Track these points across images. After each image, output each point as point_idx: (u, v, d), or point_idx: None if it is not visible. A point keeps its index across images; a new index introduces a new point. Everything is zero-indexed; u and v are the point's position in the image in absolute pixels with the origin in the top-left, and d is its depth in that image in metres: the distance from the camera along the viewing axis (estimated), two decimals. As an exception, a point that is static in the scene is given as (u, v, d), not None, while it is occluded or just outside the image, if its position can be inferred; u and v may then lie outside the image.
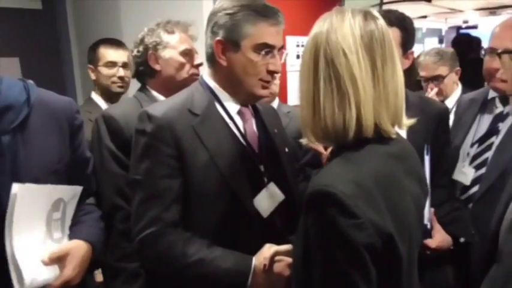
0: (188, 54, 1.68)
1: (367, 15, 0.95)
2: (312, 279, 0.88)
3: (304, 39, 3.07)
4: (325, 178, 0.87)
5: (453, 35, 9.76)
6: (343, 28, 0.92)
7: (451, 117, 2.28)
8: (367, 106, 0.91)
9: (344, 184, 0.84)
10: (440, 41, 10.22)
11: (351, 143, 0.92)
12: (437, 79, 2.51)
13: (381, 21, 0.96)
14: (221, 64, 1.28)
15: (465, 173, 1.75)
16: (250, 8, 1.24)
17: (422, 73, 2.55)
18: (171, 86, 1.64)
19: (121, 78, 2.20)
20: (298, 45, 3.03)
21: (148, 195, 1.22)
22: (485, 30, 9.02)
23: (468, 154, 1.78)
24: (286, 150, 1.44)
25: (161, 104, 1.31)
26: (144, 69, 1.69)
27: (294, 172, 1.47)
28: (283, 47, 1.33)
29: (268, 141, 1.39)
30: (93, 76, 2.21)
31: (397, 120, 0.97)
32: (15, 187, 1.05)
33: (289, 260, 1.21)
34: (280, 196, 1.33)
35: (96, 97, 2.23)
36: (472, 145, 1.76)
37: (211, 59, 1.31)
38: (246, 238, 1.26)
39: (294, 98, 2.95)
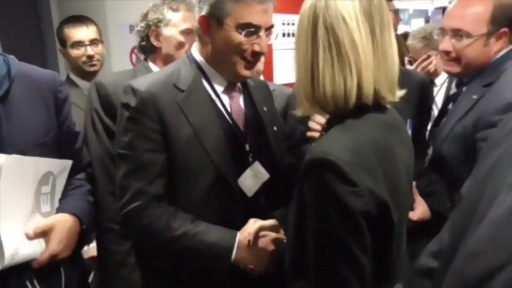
0: (189, 33, 1.67)
1: None
2: (306, 246, 0.89)
3: (291, 17, 3.07)
4: (324, 146, 0.88)
5: (439, 16, 9.78)
6: None
7: (442, 94, 2.30)
8: (367, 72, 0.91)
9: (343, 152, 0.85)
10: (427, 22, 10.21)
11: (349, 110, 0.93)
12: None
13: None
14: (205, 40, 1.27)
15: (428, 153, 1.74)
16: None
17: (411, 54, 2.56)
18: (170, 63, 1.63)
19: (90, 56, 2.13)
20: (284, 24, 3.01)
21: (132, 168, 1.21)
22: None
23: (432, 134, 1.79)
24: (275, 128, 1.43)
25: (146, 78, 1.29)
26: (146, 44, 1.72)
27: (282, 151, 1.47)
28: (271, 27, 1.28)
29: (256, 119, 1.38)
30: (66, 58, 2.18)
31: (393, 89, 0.98)
32: (2, 158, 1.03)
33: (273, 235, 1.23)
34: (265, 175, 1.34)
35: (74, 77, 2.18)
36: (433, 126, 1.77)
37: (199, 33, 1.29)
38: (230, 215, 1.27)
39: (280, 76, 2.94)
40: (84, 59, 2.12)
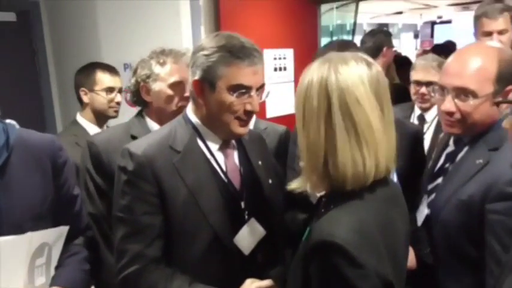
0: (178, 85, 1.69)
1: (368, 62, 0.98)
2: None
3: (282, 52, 3.13)
4: (331, 227, 0.89)
5: (428, 30, 9.96)
6: (352, 75, 0.94)
7: (432, 128, 2.33)
8: (381, 151, 0.94)
9: (350, 234, 0.86)
10: (416, 36, 10.40)
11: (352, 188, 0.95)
12: (431, 85, 2.29)
13: (379, 67, 1.00)
14: (199, 103, 1.31)
15: (420, 211, 1.60)
16: (225, 49, 1.24)
17: (417, 76, 2.37)
18: (162, 117, 1.69)
19: (118, 103, 2.23)
20: (275, 58, 3.06)
21: (130, 231, 1.23)
22: (459, 25, 9.22)
23: (426, 191, 1.62)
24: (270, 181, 1.45)
25: (143, 141, 1.32)
26: (137, 99, 1.75)
27: (278, 203, 1.50)
28: (262, 86, 1.33)
29: (251, 174, 1.41)
30: (86, 99, 2.18)
31: (394, 158, 1.01)
32: None
33: None
34: (261, 232, 1.36)
35: (81, 120, 2.20)
36: (429, 181, 1.60)
37: (193, 95, 1.33)
38: (228, 275, 1.29)
39: (272, 110, 3.00)
40: (112, 104, 2.19)
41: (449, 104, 1.36)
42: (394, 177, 1.51)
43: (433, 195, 1.52)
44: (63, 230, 1.23)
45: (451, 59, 1.40)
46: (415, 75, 2.36)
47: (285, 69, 3.14)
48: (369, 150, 0.93)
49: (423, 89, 2.32)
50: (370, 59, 1.00)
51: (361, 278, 0.84)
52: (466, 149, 1.44)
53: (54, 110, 2.79)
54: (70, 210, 1.33)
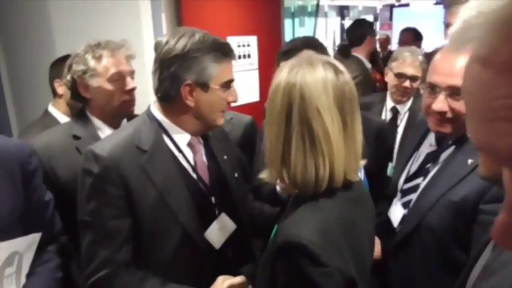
0: (118, 79, 1.61)
1: (336, 70, 0.97)
2: None
3: (246, 39, 3.10)
4: (296, 228, 0.91)
5: (387, 13, 10.13)
6: (317, 84, 0.93)
7: (404, 120, 2.35)
8: (339, 161, 0.95)
9: (313, 234, 0.88)
10: (375, 19, 10.56)
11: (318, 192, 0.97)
12: (415, 80, 2.33)
13: (347, 76, 0.99)
14: (186, 104, 1.27)
15: (394, 212, 1.54)
16: (215, 49, 1.25)
17: (402, 69, 2.31)
18: (105, 113, 1.64)
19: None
20: (239, 45, 3.03)
21: (98, 236, 1.21)
22: (417, 8, 9.43)
23: (401, 190, 1.55)
24: (236, 175, 1.46)
25: (108, 141, 1.28)
26: (76, 96, 1.65)
27: (245, 197, 1.51)
28: None
29: (218, 169, 1.41)
30: (60, 90, 2.07)
31: (359, 165, 1.03)
32: None
33: None
34: (231, 226, 1.37)
35: (54, 111, 2.09)
36: (405, 181, 1.55)
37: (169, 99, 1.27)
38: (199, 271, 1.29)
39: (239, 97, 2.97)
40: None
41: (442, 103, 1.33)
42: (362, 172, 1.54)
43: (411, 196, 1.48)
44: (35, 237, 1.19)
45: (439, 57, 1.36)
46: (399, 68, 2.31)
47: (249, 56, 3.12)
48: (324, 160, 0.94)
49: (407, 83, 2.31)
50: (340, 66, 1.00)
51: (324, 276, 0.87)
52: (451, 149, 1.42)
53: (8, 108, 2.64)
54: (42, 217, 1.28)
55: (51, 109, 2.10)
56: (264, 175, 1.05)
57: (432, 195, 1.36)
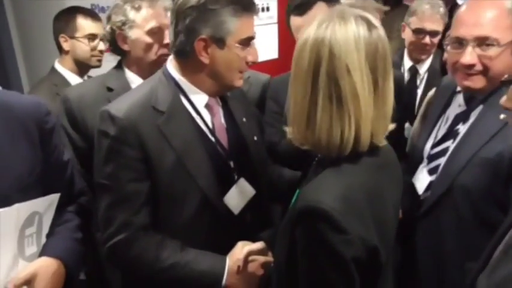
0: (157, 32, 1.58)
1: (370, 25, 0.91)
2: (297, 285, 0.92)
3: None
4: (317, 193, 0.88)
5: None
6: (347, 40, 0.88)
7: (424, 81, 2.21)
8: (366, 124, 0.91)
9: (335, 200, 0.86)
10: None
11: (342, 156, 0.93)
12: (435, 35, 2.18)
13: (381, 31, 0.93)
14: (201, 61, 1.21)
15: (419, 179, 1.47)
16: (233, 1, 1.17)
17: (420, 23, 2.14)
18: (142, 67, 1.62)
19: (101, 51, 2.08)
20: (262, -3, 2.86)
21: (116, 199, 1.19)
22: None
23: (428, 156, 1.48)
24: (255, 138, 1.41)
25: (124, 101, 1.23)
26: (114, 48, 1.64)
27: (263, 161, 1.46)
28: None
29: (237, 133, 1.36)
30: (66, 46, 2.02)
31: (388, 128, 0.99)
32: None
33: (262, 259, 1.25)
34: (250, 191, 1.34)
35: (60, 68, 2.05)
36: (432, 146, 1.48)
37: (184, 54, 1.22)
38: (218, 236, 1.28)
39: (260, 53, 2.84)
40: (95, 52, 2.06)
41: (470, 56, 1.28)
42: None
43: (439, 161, 1.42)
44: (54, 197, 1.17)
45: (464, 8, 1.33)
46: (418, 23, 2.14)
47: (267, 9, 2.95)
48: (350, 122, 0.90)
49: (426, 39, 2.14)
50: (374, 21, 0.93)
51: (344, 243, 0.85)
52: (480, 107, 1.36)
53: (18, 64, 2.58)
54: (61, 177, 1.25)
55: (58, 66, 2.06)
56: (287, 133, 1.01)
57: (463, 155, 1.32)
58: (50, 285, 1.11)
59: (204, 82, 1.25)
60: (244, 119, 1.40)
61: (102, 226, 1.21)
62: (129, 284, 1.39)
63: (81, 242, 1.26)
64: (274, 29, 3.02)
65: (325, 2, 1.62)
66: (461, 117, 1.41)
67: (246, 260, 1.22)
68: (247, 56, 1.23)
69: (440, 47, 2.21)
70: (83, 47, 2.02)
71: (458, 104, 1.45)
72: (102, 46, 2.07)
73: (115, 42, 1.61)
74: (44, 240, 1.18)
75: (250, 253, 1.23)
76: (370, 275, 0.92)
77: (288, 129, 1.00)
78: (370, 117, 0.91)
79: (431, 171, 1.44)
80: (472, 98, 1.39)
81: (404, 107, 2.00)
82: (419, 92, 2.20)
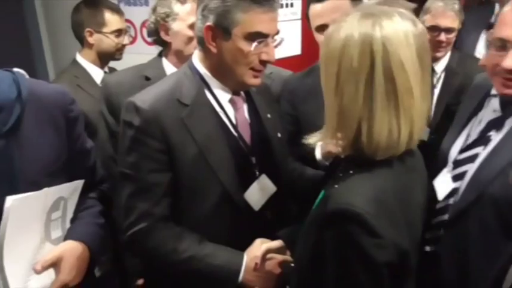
0: None
1: (413, 20, 0.89)
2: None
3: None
4: (349, 196, 0.86)
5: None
6: (399, 36, 0.85)
7: (441, 81, 2.14)
8: (418, 120, 0.89)
9: (369, 203, 0.84)
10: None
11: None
12: (450, 32, 2.12)
13: (422, 25, 0.91)
14: (211, 50, 1.21)
15: (441, 184, 1.38)
16: None
17: (434, 21, 2.11)
18: (181, 58, 1.66)
19: (124, 45, 2.12)
20: (285, -6, 2.83)
21: (137, 189, 1.20)
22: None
23: (454, 161, 1.38)
24: (279, 135, 1.40)
25: (149, 93, 1.24)
26: (157, 38, 1.71)
27: (286, 158, 1.45)
28: (278, 33, 1.24)
29: (261, 128, 1.35)
30: (91, 40, 2.02)
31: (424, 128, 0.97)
32: (9, 201, 1.00)
33: (280, 257, 1.24)
34: (271, 188, 1.33)
35: (82, 60, 2.06)
36: (460, 151, 1.37)
37: (202, 43, 1.23)
38: (237, 231, 1.27)
39: (276, 51, 2.82)
40: (120, 46, 2.10)
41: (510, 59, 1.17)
42: None
43: (466, 167, 1.32)
44: (79, 184, 1.21)
45: (507, 8, 1.22)
46: (432, 20, 2.11)
47: (291, 5, 2.92)
48: (406, 119, 0.88)
49: (441, 36, 2.09)
50: (412, 15, 0.91)
51: (377, 247, 0.83)
52: None
53: (44, 53, 2.62)
54: (84, 164, 1.30)
55: (79, 58, 2.08)
56: (314, 140, 0.98)
57: (496, 164, 1.23)
58: (75, 267, 1.14)
59: (221, 76, 1.25)
60: (268, 115, 1.38)
61: (123, 215, 1.23)
62: (149, 272, 1.41)
63: (103, 228, 1.28)
64: (297, 25, 2.99)
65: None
66: (495, 124, 1.31)
67: (264, 258, 1.22)
68: (260, 53, 1.19)
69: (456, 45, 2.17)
70: (109, 42, 2.04)
71: (492, 109, 1.33)
72: (126, 40, 2.11)
73: (158, 32, 1.67)
74: (68, 224, 1.21)
75: (269, 251, 1.22)
76: (399, 280, 0.90)
77: (321, 139, 0.97)
78: (420, 112, 0.89)
79: (456, 178, 1.35)
80: (509, 103, 1.29)
81: None
82: (436, 91, 2.14)
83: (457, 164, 1.36)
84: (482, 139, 1.32)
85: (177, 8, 1.63)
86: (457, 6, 2.10)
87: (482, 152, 1.30)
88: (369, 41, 0.85)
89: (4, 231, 1.01)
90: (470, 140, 1.36)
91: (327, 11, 1.48)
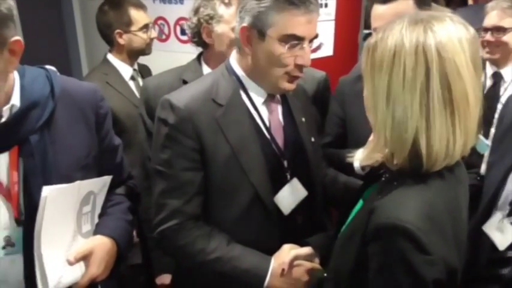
0: None
1: (464, 25, 0.85)
2: None
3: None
4: (399, 210, 0.82)
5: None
6: (453, 42, 0.82)
7: (510, 90, 1.90)
8: (472, 128, 0.86)
9: (419, 218, 0.81)
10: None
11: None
12: (499, 31, 1.94)
13: (473, 29, 0.87)
14: (245, 51, 1.21)
15: (499, 231, 1.17)
16: None
17: (485, 21, 1.98)
18: (222, 62, 1.61)
19: (152, 39, 2.12)
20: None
21: (170, 186, 1.21)
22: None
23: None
24: (313, 139, 1.37)
25: (185, 92, 1.25)
26: (198, 40, 1.67)
27: (319, 162, 1.42)
28: (316, 37, 1.21)
29: (294, 132, 1.33)
30: (122, 41, 2.04)
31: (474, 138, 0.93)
32: (45, 190, 1.03)
33: (308, 265, 1.21)
34: (303, 193, 1.30)
35: (113, 59, 2.09)
36: None
37: (239, 44, 1.23)
38: (266, 235, 1.26)
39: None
40: (149, 41, 2.10)
41: None
42: None
43: None
44: (107, 179, 1.23)
45: None
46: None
47: (326, 5, 2.87)
48: (461, 127, 0.84)
49: (488, 36, 1.94)
50: (462, 20, 0.87)
51: (427, 264, 0.80)
52: None
53: (79, 50, 2.68)
54: (112, 160, 1.32)
55: (110, 57, 2.10)
56: (362, 158, 0.95)
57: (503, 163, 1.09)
58: (105, 262, 1.16)
59: (256, 78, 1.24)
60: (303, 119, 1.36)
61: (154, 211, 1.24)
62: (177, 271, 1.44)
63: (131, 224, 1.30)
64: (331, 26, 2.94)
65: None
66: None
67: (292, 264, 1.19)
68: (296, 57, 1.17)
69: None
70: (139, 40, 2.05)
71: None
72: (154, 34, 2.11)
73: (199, 34, 1.63)
74: (96, 219, 1.23)
75: (297, 257, 1.20)
76: None
77: (369, 155, 0.93)
78: (474, 119, 0.85)
79: None
80: None
81: None
82: (502, 100, 1.90)
83: None
84: None
85: (222, 10, 1.59)
86: (506, 4, 1.93)
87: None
88: (423, 49, 0.81)
89: (41, 220, 1.03)
90: None
91: (390, 14, 1.44)
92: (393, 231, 0.80)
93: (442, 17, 0.84)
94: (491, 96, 1.98)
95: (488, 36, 1.94)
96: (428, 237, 0.79)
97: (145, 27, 2.06)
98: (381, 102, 0.86)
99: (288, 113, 1.33)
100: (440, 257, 0.81)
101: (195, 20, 1.63)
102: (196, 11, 1.63)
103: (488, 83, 2.02)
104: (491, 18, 1.95)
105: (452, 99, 0.82)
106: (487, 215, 1.22)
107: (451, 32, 0.82)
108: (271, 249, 1.24)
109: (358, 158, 0.97)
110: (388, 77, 0.84)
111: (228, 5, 1.59)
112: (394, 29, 0.84)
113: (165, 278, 1.89)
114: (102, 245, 1.17)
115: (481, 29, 1.95)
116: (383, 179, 0.99)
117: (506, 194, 1.18)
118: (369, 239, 0.85)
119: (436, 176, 0.87)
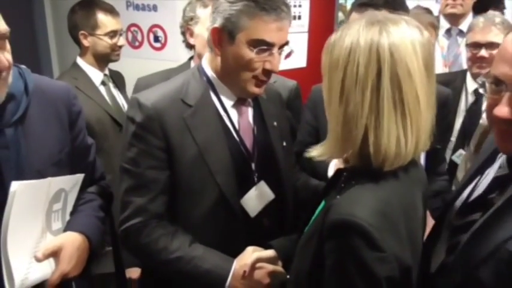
0: None
1: (419, 28, 0.88)
2: None
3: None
4: (352, 207, 0.82)
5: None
6: (406, 43, 0.84)
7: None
8: (424, 129, 0.88)
9: (372, 215, 0.81)
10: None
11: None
12: (493, 47, 1.94)
13: (427, 34, 0.89)
14: (216, 53, 1.22)
15: (435, 254, 1.03)
16: None
17: (474, 37, 2.00)
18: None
19: (120, 47, 2.11)
20: (295, 5, 2.84)
21: (134, 184, 1.21)
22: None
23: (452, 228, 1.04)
24: (284, 144, 1.38)
25: (155, 91, 1.25)
26: (185, 41, 1.77)
27: (290, 167, 1.43)
28: (286, 44, 1.22)
29: (265, 135, 1.33)
30: (86, 43, 2.03)
31: (427, 142, 0.94)
32: (14, 185, 1.02)
33: (270, 267, 1.20)
34: (269, 195, 1.31)
35: (82, 63, 2.08)
36: (460, 211, 1.04)
37: (210, 45, 1.24)
38: (231, 236, 1.26)
39: (283, 62, 2.81)
40: (116, 48, 2.09)
41: (505, 108, 0.86)
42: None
43: (462, 237, 0.93)
44: (79, 177, 1.23)
45: (510, 38, 0.88)
46: (472, 37, 2.00)
47: (299, 17, 2.93)
48: (412, 128, 0.86)
49: (482, 52, 1.95)
50: (418, 23, 0.90)
51: (378, 261, 0.80)
52: None
53: (50, 51, 2.63)
54: (85, 159, 1.33)
55: (79, 61, 2.09)
56: (317, 153, 0.95)
57: (490, 241, 0.88)
58: (76, 257, 1.15)
59: (226, 80, 1.24)
60: (275, 123, 1.36)
61: (120, 209, 1.23)
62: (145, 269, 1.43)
63: (102, 221, 1.30)
64: (304, 38, 3.01)
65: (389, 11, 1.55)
66: (498, 184, 0.96)
67: (254, 266, 1.19)
68: (264, 61, 1.18)
69: None
70: (104, 44, 2.03)
71: (500, 164, 0.99)
72: (122, 41, 2.09)
73: (185, 36, 1.73)
74: (67, 217, 1.22)
75: (259, 260, 1.19)
76: None
77: (320, 149, 0.94)
78: (425, 120, 0.87)
79: (449, 249, 1.00)
80: None
81: (446, 129, 1.86)
82: (485, 115, 1.96)
83: (454, 231, 1.03)
84: (483, 202, 0.98)
85: (200, 11, 1.66)
86: (498, 19, 1.97)
87: (480, 219, 0.93)
88: (376, 48, 0.83)
89: (9, 216, 1.02)
90: (473, 196, 1.03)
91: None
92: (345, 227, 0.80)
93: (398, 19, 0.86)
94: (473, 111, 2.01)
95: (482, 52, 1.96)
96: (381, 234, 0.79)
97: (113, 33, 2.04)
98: (334, 98, 0.87)
99: (259, 116, 1.34)
100: (393, 255, 0.81)
101: (182, 21, 1.72)
102: (183, 14, 1.72)
103: (470, 99, 2.06)
104: (485, 35, 1.97)
105: (403, 99, 0.83)
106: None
107: (404, 34, 0.84)
108: (236, 251, 1.23)
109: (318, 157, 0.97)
110: (342, 73, 0.85)
111: (206, 6, 1.64)
112: (352, 29, 0.86)
113: (134, 272, 1.87)
114: (72, 240, 1.16)
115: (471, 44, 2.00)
116: (342, 178, 1.00)
117: (455, 208, 1.07)
118: (323, 237, 0.85)
119: (391, 176, 0.88)
